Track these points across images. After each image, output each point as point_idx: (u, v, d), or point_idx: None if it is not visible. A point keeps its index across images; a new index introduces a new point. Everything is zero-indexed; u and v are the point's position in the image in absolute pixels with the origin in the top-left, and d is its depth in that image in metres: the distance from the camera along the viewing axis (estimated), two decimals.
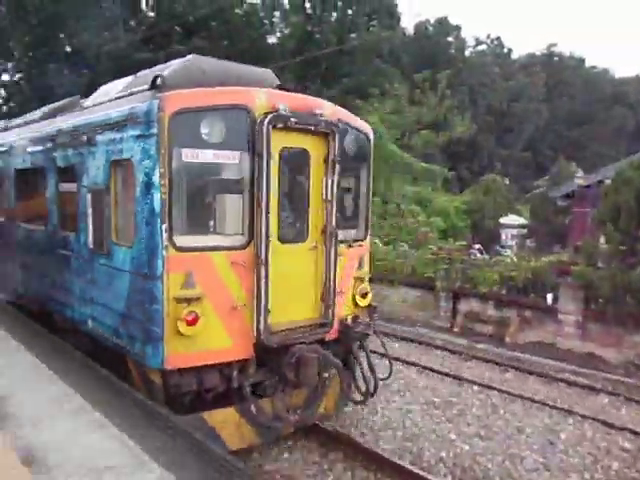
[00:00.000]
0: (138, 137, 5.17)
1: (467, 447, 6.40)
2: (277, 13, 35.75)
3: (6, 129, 10.16)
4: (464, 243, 17.37)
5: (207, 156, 5.20)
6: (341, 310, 6.11)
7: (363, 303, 6.42)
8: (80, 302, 6.33)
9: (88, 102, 7.30)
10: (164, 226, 4.93)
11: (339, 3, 35.24)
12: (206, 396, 5.38)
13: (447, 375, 8.86)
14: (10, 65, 42.37)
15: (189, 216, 5.30)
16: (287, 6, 35.28)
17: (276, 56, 32.55)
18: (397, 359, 9.32)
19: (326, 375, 5.99)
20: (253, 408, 5.47)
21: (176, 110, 4.92)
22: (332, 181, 5.80)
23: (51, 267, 7.20)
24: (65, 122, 7.00)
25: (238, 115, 5.26)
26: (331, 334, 6.00)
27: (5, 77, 43.35)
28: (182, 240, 5.07)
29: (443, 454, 6.22)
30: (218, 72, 5.95)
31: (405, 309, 12.74)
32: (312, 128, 5.60)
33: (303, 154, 5.76)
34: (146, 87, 5.64)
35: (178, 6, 30.99)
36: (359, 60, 34.07)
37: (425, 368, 9.11)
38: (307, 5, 35.36)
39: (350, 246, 6.27)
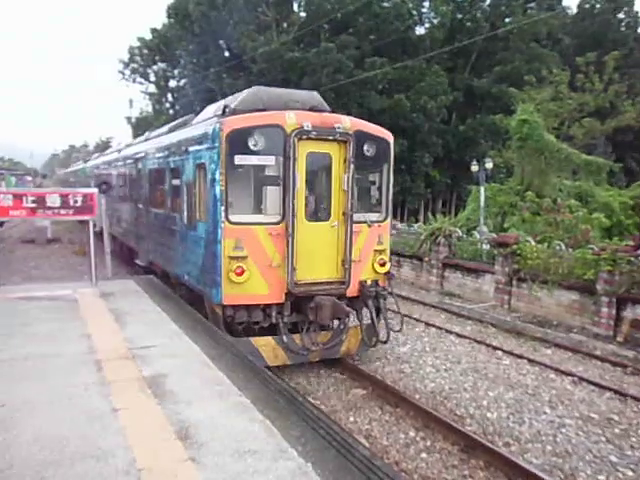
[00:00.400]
0: (208, 148, 7.62)
1: (631, 473, 5.65)
2: (426, 3, 34.89)
3: (147, 139, 13.80)
4: (632, 243, 15.54)
5: (252, 160, 7.45)
6: (361, 274, 7.96)
7: (381, 270, 8.17)
8: (181, 263, 9.15)
9: (194, 121, 10.19)
10: (222, 207, 7.21)
11: None
12: (254, 327, 7.60)
13: (608, 389, 7.92)
14: (176, 72, 46.70)
15: (239, 201, 7.53)
16: None
17: (424, 47, 31.85)
18: (548, 366, 8.62)
19: (342, 320, 7.94)
20: (285, 339, 7.56)
21: (230, 130, 7.21)
22: (348, 176, 7.62)
23: (166, 239, 10.06)
24: (176, 137, 9.85)
25: (274, 131, 7.31)
26: (352, 292, 7.85)
27: (172, 83, 47.96)
28: (234, 217, 7.29)
29: (601, 478, 5.55)
30: (272, 98, 8.11)
31: (559, 313, 11.71)
32: (331, 138, 7.54)
33: (327, 156, 7.70)
34: (220, 113, 8.30)
35: (327, 4, 31.62)
36: (514, 46, 32.07)
37: (582, 379, 8.24)
38: None
39: (370, 225, 8.03)
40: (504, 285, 12.76)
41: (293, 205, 7.29)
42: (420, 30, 35.71)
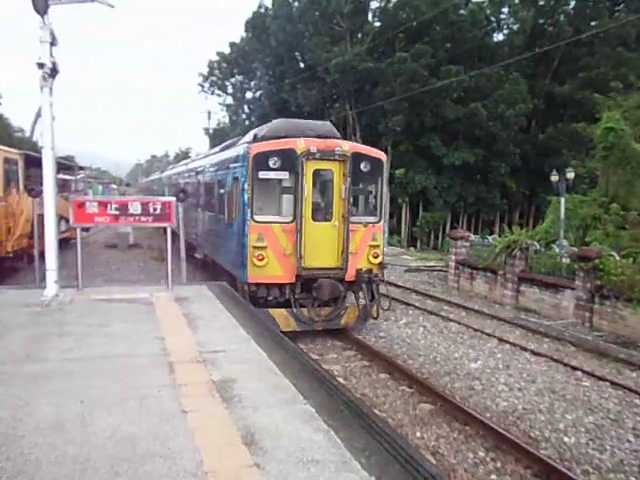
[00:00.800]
0: (241, 166, 10.22)
1: None
2: (505, 9, 33.91)
3: (206, 156, 17.66)
4: None
5: (271, 175, 9.84)
6: (358, 264, 10.03)
7: (375, 261, 10.25)
8: (223, 253, 12.01)
9: (238, 143, 12.90)
10: (249, 210, 9.69)
11: None
12: (272, 302, 9.92)
13: None
14: (252, 84, 48.03)
15: (261, 205, 9.97)
16: (516, 0, 33.23)
17: (503, 54, 30.96)
18: (632, 390, 8.05)
19: (340, 298, 10.05)
20: (295, 311, 9.90)
21: (255, 153, 9.76)
22: (346, 187, 9.77)
23: (214, 235, 12.97)
24: (222, 156, 12.98)
25: (288, 153, 9.63)
26: (349, 277, 10.02)
27: (248, 94, 49.36)
28: (258, 217, 9.76)
29: None
30: (292, 128, 10.54)
31: None
32: (332, 158, 9.74)
33: (329, 172, 9.99)
34: (251, 139, 11.22)
35: (402, 13, 31.48)
36: (599, 51, 30.50)
37: None
38: None
39: (365, 226, 10.19)
40: (585, 302, 12.09)
41: (302, 209, 9.62)
42: (498, 36, 34.81)
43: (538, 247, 14.61)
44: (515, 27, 33.73)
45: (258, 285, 9.79)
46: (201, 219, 15.16)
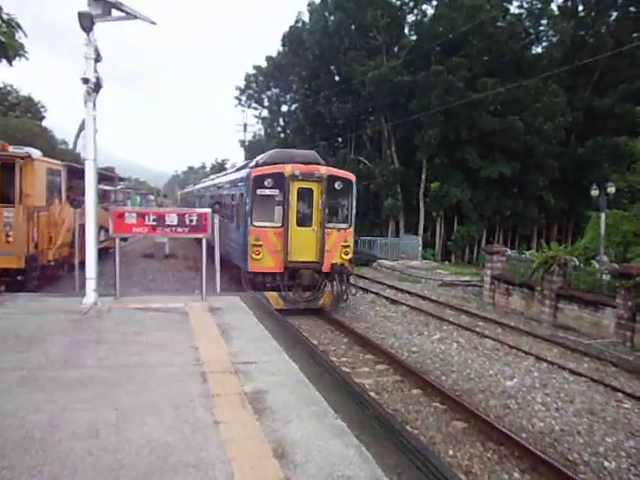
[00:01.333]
0: (245, 185, 13.34)
1: None
2: (544, 21, 33.45)
3: (226, 174, 22.12)
4: None
5: (266, 192, 12.84)
6: (332, 259, 12.90)
7: (345, 258, 13.06)
8: (232, 251, 14.93)
9: (247, 166, 16.20)
10: (249, 217, 12.77)
11: (619, 0, 31.38)
12: (267, 287, 12.77)
13: None
14: (288, 97, 48.62)
15: (259, 214, 12.86)
16: (556, 12, 32.78)
17: (541, 66, 30.51)
18: None
19: (318, 285, 12.98)
20: (284, 294, 12.73)
21: (254, 175, 12.91)
22: (322, 201, 12.77)
23: (228, 238, 15.13)
24: (234, 176, 17.03)
25: (279, 177, 12.67)
26: (325, 268, 12.86)
27: (284, 107, 49.94)
28: (256, 223, 12.77)
29: None
30: (284, 156, 13.81)
31: None
32: (312, 179, 12.73)
33: (310, 190, 12.90)
34: (253, 165, 14.46)
35: (438, 26, 31.41)
36: None
37: None
38: (580, 8, 32.30)
39: (339, 230, 13.16)
40: (627, 320, 11.69)
41: (289, 217, 12.66)
42: (537, 49, 34.33)
43: (577, 263, 14.23)
44: (554, 39, 33.21)
45: (256, 274, 12.85)
46: (221, 225, 18.38)
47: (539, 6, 32.49)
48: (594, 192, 17.48)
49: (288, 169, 12.68)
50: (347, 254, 13.07)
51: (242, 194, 13.82)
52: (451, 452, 6.35)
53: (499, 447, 6.47)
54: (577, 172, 31.78)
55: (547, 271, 14.14)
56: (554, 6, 32.91)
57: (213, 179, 26.52)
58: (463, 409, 7.47)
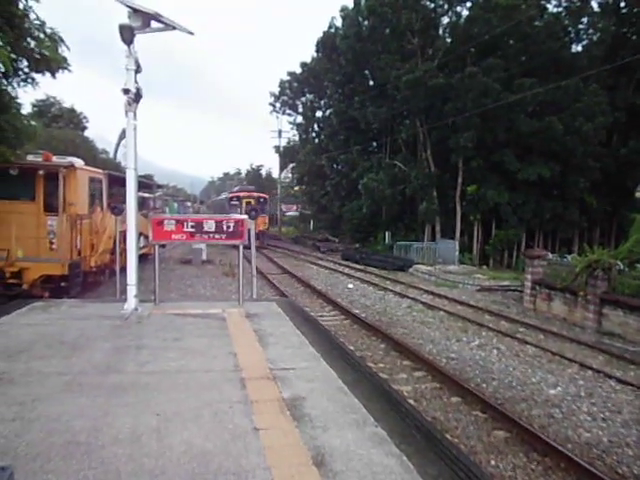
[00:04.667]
0: (227, 199, 42.32)
1: None
2: (585, 19, 32.60)
3: (229, 192, 47.17)
4: None
5: (235, 203, 38.89)
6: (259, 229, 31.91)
7: (263, 228, 37.20)
8: None
9: (232, 190, 50.31)
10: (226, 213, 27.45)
11: None
12: None
13: None
14: (322, 102, 48.78)
15: (231, 213, 26.63)
16: (597, 9, 31.91)
17: (581, 66, 29.73)
18: None
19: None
20: None
21: (230, 197, 41.70)
22: (252, 206, 26.62)
23: None
24: (226, 195, 46.72)
25: (238, 197, 40.06)
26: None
27: (318, 113, 50.12)
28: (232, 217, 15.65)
29: None
30: (244, 189, 46.76)
31: None
32: (251, 198, 39.29)
33: (251, 202, 37.81)
34: (234, 191, 46.18)
35: (474, 28, 30.99)
36: None
37: None
38: (622, 5, 31.34)
39: (262, 217, 34.53)
40: None
41: (241, 214, 17.99)
42: (577, 48, 33.45)
43: (622, 267, 13.77)
44: (595, 37, 32.32)
45: None
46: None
47: (578, 4, 31.72)
48: (639, 194, 16.89)
49: (243, 194, 39.79)
50: (265, 225, 37.54)
51: (226, 202, 39.05)
52: (493, 462, 6.20)
53: (544, 458, 6.28)
54: (620, 173, 30.79)
55: (590, 275, 13.74)
56: (594, 3, 32.07)
57: (228, 193, 47.74)
58: (505, 418, 7.28)
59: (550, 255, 18.16)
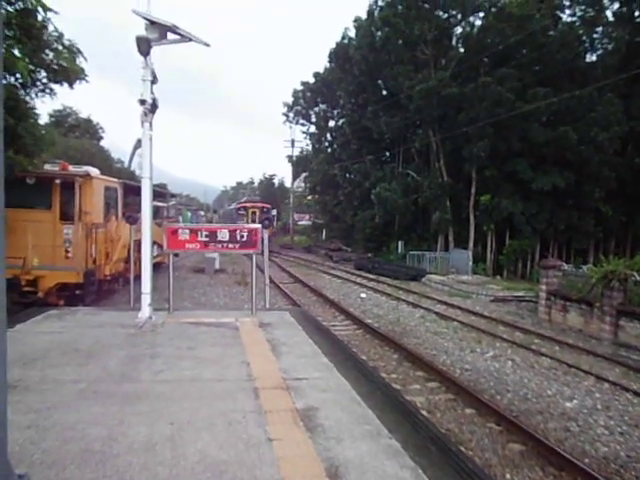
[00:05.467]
0: (236, 209, 56.25)
1: None
2: (599, 28, 32.43)
3: (237, 203, 64.81)
4: None
5: (241, 212, 51.79)
6: None
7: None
8: None
9: (240, 200, 69.69)
10: (235, 222, 44.27)
11: None
12: None
13: None
14: (335, 112, 48.96)
15: (240, 221, 47.25)
16: (611, 18, 31.75)
17: (595, 75, 29.56)
18: None
19: None
20: None
21: (238, 207, 55.40)
22: (259, 216, 47.65)
23: None
24: (235, 205, 62.82)
25: (245, 207, 53.27)
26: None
27: (331, 123, 50.32)
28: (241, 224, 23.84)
29: None
30: (251, 199, 62.49)
31: None
32: (255, 209, 51.43)
33: (256, 212, 50.65)
34: (242, 201, 61.05)
35: (487, 38, 30.98)
36: None
37: None
38: (636, 14, 31.15)
39: (267, 228, 15.83)
40: None
41: (249, 222, 34.35)
42: (591, 57, 33.26)
43: (638, 278, 13.59)
44: (609, 47, 32.13)
45: None
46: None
47: (593, 13, 31.59)
48: None
49: (249, 204, 53.36)
50: (271, 231, 28.99)
51: (234, 212, 52.26)
52: (508, 476, 6.11)
53: (560, 472, 6.18)
54: (635, 183, 30.47)
55: (606, 286, 13.57)
56: (608, 12, 31.91)
57: (230, 207, 58.45)
58: (520, 431, 7.18)
59: (565, 265, 17.98)
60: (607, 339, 13.22)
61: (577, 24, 31.97)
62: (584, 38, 32.26)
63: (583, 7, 31.42)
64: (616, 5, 31.13)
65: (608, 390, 9.24)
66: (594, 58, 33.11)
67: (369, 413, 4.86)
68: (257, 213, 49.66)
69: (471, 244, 32.12)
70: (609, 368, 10.74)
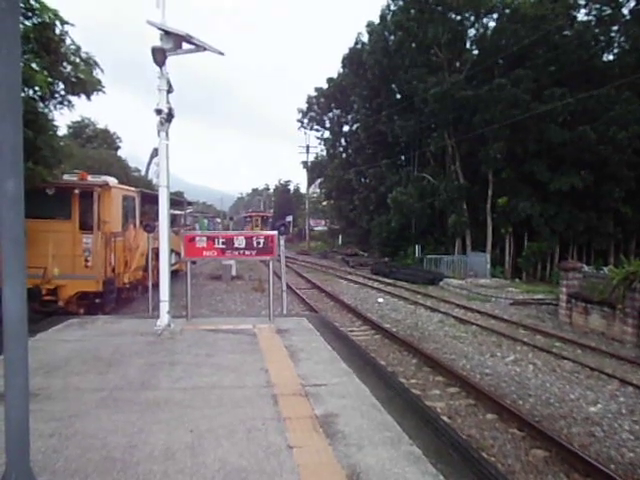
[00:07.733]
0: (244, 217, 71.92)
1: None
2: (615, 27, 32.02)
3: (246, 212, 79.46)
4: None
5: (248, 220, 63.95)
6: None
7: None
8: None
9: (247, 211, 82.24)
10: (242, 228, 64.81)
11: None
12: None
13: None
14: (349, 117, 48.99)
15: (245, 228, 60.24)
16: (627, 17, 31.34)
17: (613, 74, 29.19)
18: None
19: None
20: None
21: (245, 216, 71.51)
22: (260, 222, 60.70)
23: None
24: (244, 214, 77.95)
25: (251, 215, 64.59)
26: None
27: (345, 128, 50.34)
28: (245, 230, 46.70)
29: None
30: (254, 210, 76.44)
31: None
32: (258, 217, 62.48)
33: (259, 219, 61.82)
34: (248, 212, 75.20)
35: (501, 39, 30.79)
36: None
37: None
38: None
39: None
40: None
41: (253, 228, 53.00)
42: (608, 56, 32.83)
43: None
44: (627, 45, 31.70)
45: None
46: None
47: (609, 12, 31.22)
48: None
49: (253, 213, 65.71)
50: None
51: (243, 220, 66.52)
52: None
53: (585, 479, 6.06)
54: None
55: (628, 288, 13.33)
56: (625, 11, 31.49)
57: (241, 215, 76.58)
58: (543, 436, 7.06)
59: (585, 267, 17.72)
60: (630, 342, 12.99)
61: (593, 23, 31.58)
62: (600, 37, 31.87)
63: (599, 6, 31.02)
64: (632, 3, 30.69)
65: (632, 394, 9.06)
66: (611, 57, 32.68)
67: (389, 419, 4.82)
68: (259, 220, 61.16)
69: (489, 247, 31.83)
70: (633, 371, 10.54)
